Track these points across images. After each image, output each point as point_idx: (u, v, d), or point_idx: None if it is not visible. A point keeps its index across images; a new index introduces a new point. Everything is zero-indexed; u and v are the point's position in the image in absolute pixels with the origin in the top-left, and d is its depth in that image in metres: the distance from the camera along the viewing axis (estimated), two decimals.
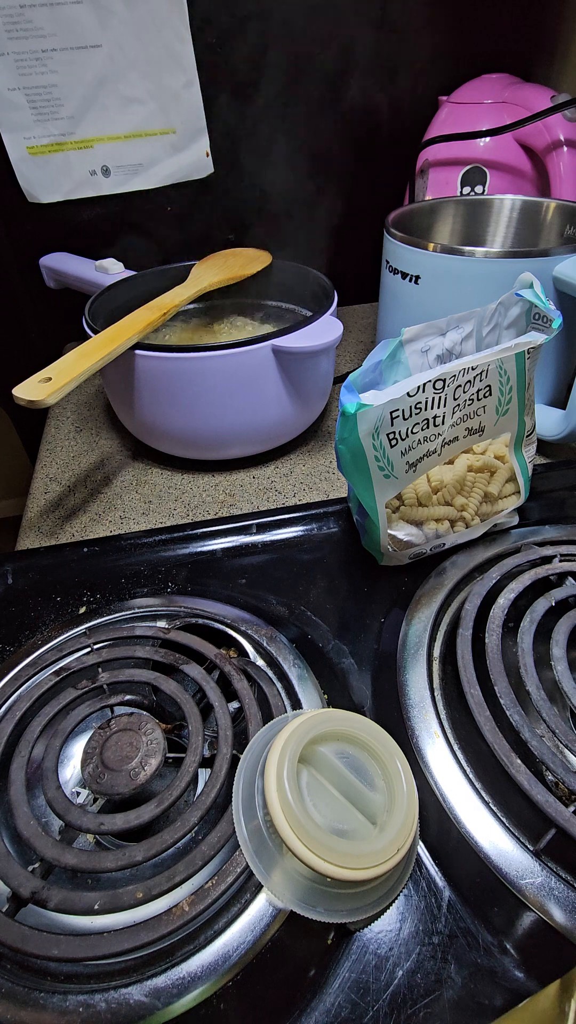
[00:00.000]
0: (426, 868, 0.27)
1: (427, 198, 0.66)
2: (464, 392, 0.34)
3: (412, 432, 0.33)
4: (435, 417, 0.34)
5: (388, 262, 0.54)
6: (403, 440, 0.33)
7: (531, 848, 0.26)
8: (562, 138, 0.57)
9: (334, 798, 0.25)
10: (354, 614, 0.39)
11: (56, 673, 0.32)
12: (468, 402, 0.35)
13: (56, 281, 0.70)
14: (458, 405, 0.34)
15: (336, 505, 0.46)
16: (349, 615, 0.39)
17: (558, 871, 0.25)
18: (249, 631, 0.36)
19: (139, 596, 0.40)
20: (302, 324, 0.48)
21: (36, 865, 0.25)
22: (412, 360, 0.35)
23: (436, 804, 0.28)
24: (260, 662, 0.34)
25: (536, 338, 0.34)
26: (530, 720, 0.29)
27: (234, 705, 0.31)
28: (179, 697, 0.30)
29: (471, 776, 0.29)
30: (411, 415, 0.32)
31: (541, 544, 0.40)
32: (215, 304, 0.65)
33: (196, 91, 0.66)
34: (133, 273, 0.62)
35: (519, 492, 0.42)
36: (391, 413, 0.31)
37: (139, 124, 0.67)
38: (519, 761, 0.28)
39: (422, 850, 0.27)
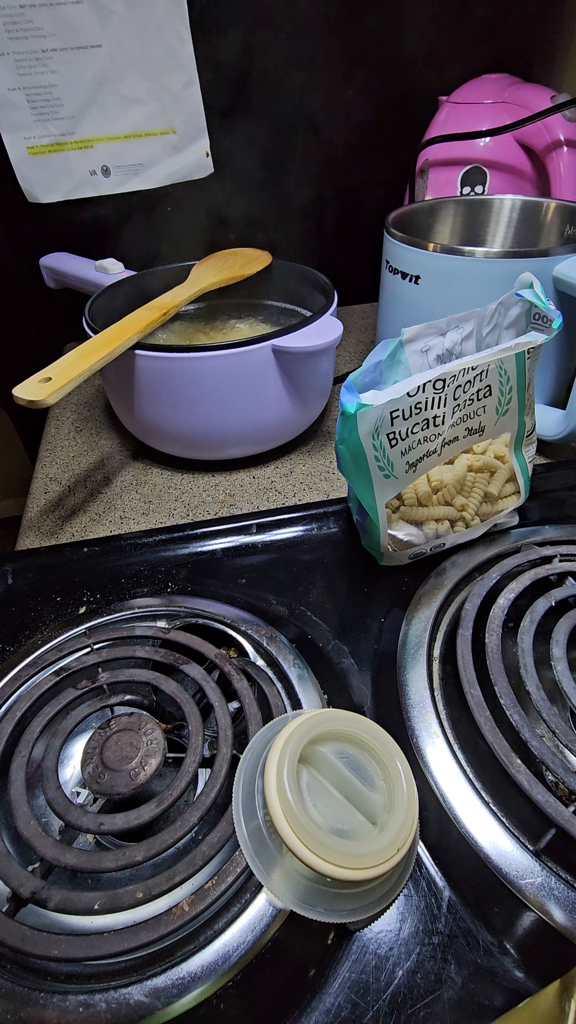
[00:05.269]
0: (426, 868, 0.27)
1: (427, 198, 0.66)
2: (464, 392, 0.34)
3: (412, 432, 0.33)
4: (435, 417, 0.33)
5: (388, 262, 0.54)
6: (403, 440, 0.33)
7: (531, 848, 0.26)
8: (562, 138, 0.57)
9: (334, 798, 0.25)
10: (354, 614, 0.39)
11: (56, 673, 0.32)
12: (468, 402, 0.35)
13: (56, 281, 0.70)
14: (458, 405, 0.34)
15: (336, 505, 0.46)
16: (349, 615, 0.39)
17: (558, 871, 0.25)
18: (249, 631, 0.36)
19: (139, 596, 0.40)
20: (302, 324, 0.48)
21: (36, 865, 0.25)
22: (412, 360, 0.35)
23: (436, 804, 0.28)
24: (260, 662, 0.34)
25: (536, 338, 0.34)
26: (530, 720, 0.29)
27: (234, 705, 0.31)
28: (179, 697, 0.30)
29: (471, 776, 0.29)
30: (411, 415, 0.32)
31: (541, 544, 0.40)
32: (215, 304, 0.65)
33: (196, 91, 0.66)
34: (133, 273, 0.62)
35: (519, 492, 0.42)
36: (391, 413, 0.31)
37: (139, 124, 0.67)
38: (519, 761, 0.28)
39: (422, 850, 0.27)
